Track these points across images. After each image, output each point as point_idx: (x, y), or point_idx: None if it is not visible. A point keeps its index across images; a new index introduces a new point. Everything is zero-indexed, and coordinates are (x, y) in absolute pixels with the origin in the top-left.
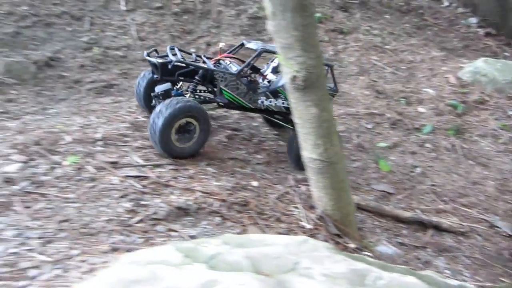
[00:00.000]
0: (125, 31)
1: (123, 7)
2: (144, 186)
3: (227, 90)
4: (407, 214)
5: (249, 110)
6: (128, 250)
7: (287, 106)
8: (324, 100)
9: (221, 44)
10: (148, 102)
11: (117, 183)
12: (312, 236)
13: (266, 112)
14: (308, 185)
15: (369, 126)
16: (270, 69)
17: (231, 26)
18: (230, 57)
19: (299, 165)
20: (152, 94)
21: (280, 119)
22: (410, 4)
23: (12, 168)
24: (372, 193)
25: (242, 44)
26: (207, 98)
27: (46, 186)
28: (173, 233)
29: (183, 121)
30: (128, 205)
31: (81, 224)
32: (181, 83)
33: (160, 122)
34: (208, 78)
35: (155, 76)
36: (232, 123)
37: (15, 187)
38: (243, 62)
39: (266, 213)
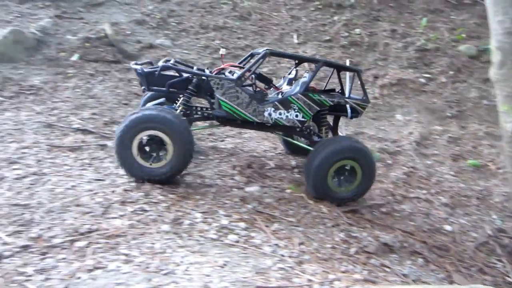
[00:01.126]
0: None
1: (295, 40)
2: (349, 218)
3: (225, 100)
4: None
5: (256, 127)
6: (373, 282)
7: (302, 119)
8: None
9: (222, 50)
10: None
11: (326, 212)
12: None
13: (277, 128)
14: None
15: None
16: (286, 82)
17: (398, 58)
18: (236, 66)
19: (317, 192)
20: None
21: (302, 141)
22: None
23: (252, 188)
24: None
25: (252, 55)
26: (204, 113)
27: (270, 207)
28: (386, 269)
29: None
30: (342, 235)
31: (313, 248)
32: (185, 98)
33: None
34: (204, 88)
35: (143, 88)
36: (407, 161)
37: (249, 205)
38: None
39: (467, 261)
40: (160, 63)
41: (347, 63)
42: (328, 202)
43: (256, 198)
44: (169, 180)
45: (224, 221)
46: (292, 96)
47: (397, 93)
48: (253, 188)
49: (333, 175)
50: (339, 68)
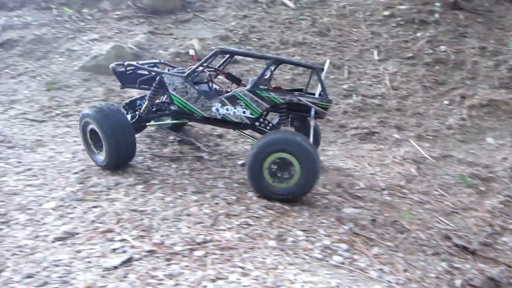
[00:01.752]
0: (379, 80)
1: (376, 57)
2: (448, 247)
3: (176, 95)
4: None
5: (209, 122)
6: None
7: (250, 116)
8: None
9: (191, 52)
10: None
11: (424, 238)
12: None
13: (227, 123)
14: None
15: None
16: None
17: (488, 78)
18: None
19: (256, 187)
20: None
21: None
22: None
23: (347, 210)
24: None
25: (215, 54)
26: (166, 109)
27: (367, 230)
28: None
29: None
30: (444, 265)
31: (418, 277)
32: (150, 94)
33: None
34: (163, 85)
35: (120, 85)
36: (503, 189)
37: (345, 226)
38: (222, 72)
39: None
40: (126, 63)
41: (327, 64)
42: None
43: (351, 219)
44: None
45: (326, 241)
46: (238, 93)
47: (488, 115)
48: (348, 210)
49: (269, 169)
50: (295, 65)
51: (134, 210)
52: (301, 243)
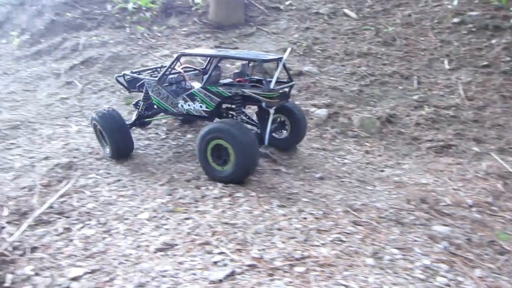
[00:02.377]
0: (451, 90)
1: (447, 66)
2: None
3: (153, 95)
4: None
5: (182, 116)
6: None
7: (206, 109)
8: None
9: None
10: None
11: None
12: None
13: (192, 117)
14: None
15: None
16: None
17: None
18: (192, 68)
19: (205, 171)
20: None
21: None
22: None
23: (439, 228)
24: None
25: (179, 57)
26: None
27: (463, 250)
28: None
29: None
30: None
31: None
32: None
33: None
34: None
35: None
36: None
37: (439, 245)
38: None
39: None
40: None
41: (287, 52)
42: None
43: (444, 238)
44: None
45: (425, 261)
46: (195, 90)
47: None
48: (439, 228)
49: (212, 155)
50: (242, 60)
51: (226, 223)
52: (399, 262)
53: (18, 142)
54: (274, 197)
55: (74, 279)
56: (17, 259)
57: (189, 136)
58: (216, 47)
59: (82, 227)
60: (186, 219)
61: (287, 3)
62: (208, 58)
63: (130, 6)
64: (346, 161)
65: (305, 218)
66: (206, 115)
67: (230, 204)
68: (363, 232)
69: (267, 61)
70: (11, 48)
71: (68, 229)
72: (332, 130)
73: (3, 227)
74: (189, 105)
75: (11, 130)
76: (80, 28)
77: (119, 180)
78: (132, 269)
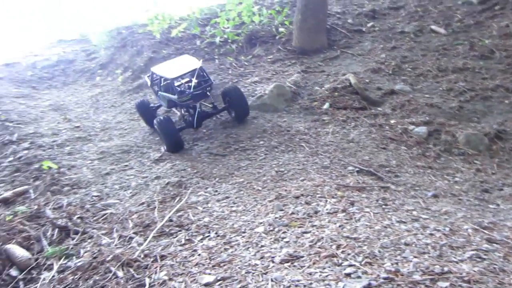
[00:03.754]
0: None
1: None
2: None
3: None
4: None
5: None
6: None
7: (166, 107)
8: None
9: None
10: None
11: None
12: None
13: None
14: None
15: None
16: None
17: None
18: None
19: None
20: None
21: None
22: None
23: None
24: None
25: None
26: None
27: None
28: None
29: None
30: None
31: None
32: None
33: None
34: None
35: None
36: None
37: None
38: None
39: None
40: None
41: (200, 62)
42: None
43: None
44: None
45: None
46: (159, 94)
47: None
48: None
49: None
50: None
51: (348, 237)
52: None
53: (131, 164)
54: (390, 213)
55: (207, 285)
56: (150, 265)
57: (287, 156)
58: (302, 71)
59: (202, 239)
60: (304, 233)
61: (369, 25)
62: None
63: (217, 40)
64: (456, 179)
65: (432, 234)
66: (168, 109)
67: (346, 219)
68: (502, 250)
69: (178, 78)
70: (116, 84)
71: (189, 240)
72: (435, 148)
73: (132, 237)
74: (163, 104)
75: (123, 154)
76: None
77: (227, 197)
78: (262, 278)
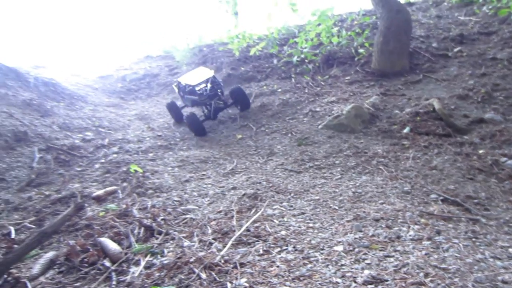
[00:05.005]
0: None
1: None
2: None
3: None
4: None
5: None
6: None
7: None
8: None
9: None
10: None
11: None
12: None
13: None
14: None
15: None
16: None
17: None
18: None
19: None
20: None
21: None
22: None
23: None
24: None
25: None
26: None
27: None
28: None
29: None
30: None
31: None
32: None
33: None
34: None
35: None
36: None
37: None
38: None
39: None
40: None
41: (212, 72)
42: None
43: None
44: None
45: None
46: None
47: None
48: None
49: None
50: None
51: (436, 267)
52: None
53: (208, 173)
54: (481, 247)
55: None
56: (230, 270)
57: (364, 177)
58: (381, 94)
59: (280, 251)
60: (387, 256)
61: (455, 50)
62: None
63: (294, 59)
64: None
65: None
66: (191, 107)
67: (432, 248)
68: None
69: (198, 84)
70: None
71: (267, 252)
72: None
73: (211, 243)
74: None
75: (201, 163)
76: (252, 80)
77: (303, 213)
78: None
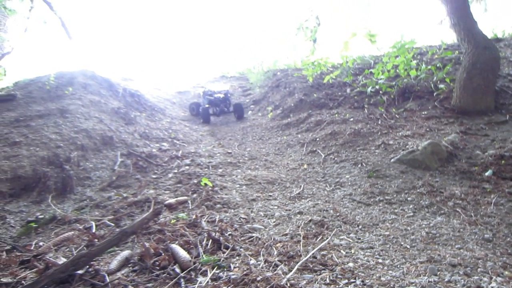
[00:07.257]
0: None
1: None
2: None
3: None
4: None
5: None
6: None
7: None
8: None
9: None
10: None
11: None
12: None
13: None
14: None
15: None
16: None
17: None
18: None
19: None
20: None
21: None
22: None
23: None
24: None
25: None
26: None
27: None
28: None
29: None
30: None
31: None
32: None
33: None
34: None
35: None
36: None
37: None
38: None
39: None
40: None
41: (228, 86)
42: None
43: None
44: None
45: None
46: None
47: None
48: None
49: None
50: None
51: None
52: None
53: (274, 195)
54: None
55: None
56: None
57: (439, 218)
58: (461, 132)
59: (348, 284)
60: None
61: None
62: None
63: (368, 89)
64: None
65: None
66: (207, 105)
67: None
68: None
69: (217, 92)
70: (266, 120)
71: (334, 282)
72: None
73: (277, 264)
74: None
75: (268, 184)
76: (323, 107)
77: (371, 247)
78: None
